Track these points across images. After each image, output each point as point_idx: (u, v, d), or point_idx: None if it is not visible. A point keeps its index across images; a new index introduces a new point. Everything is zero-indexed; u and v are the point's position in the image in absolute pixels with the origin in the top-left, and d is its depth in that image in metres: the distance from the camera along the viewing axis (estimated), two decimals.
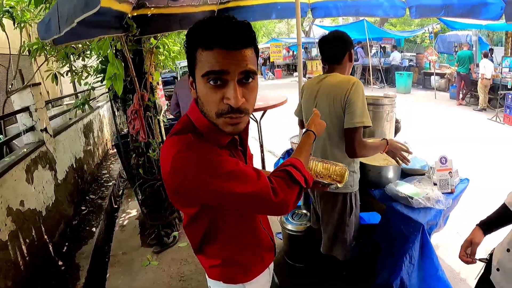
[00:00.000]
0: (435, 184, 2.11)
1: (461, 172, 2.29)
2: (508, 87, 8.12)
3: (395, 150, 1.88)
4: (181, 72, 12.83)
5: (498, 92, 8.13)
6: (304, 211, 2.79)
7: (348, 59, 1.94)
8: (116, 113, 4.06)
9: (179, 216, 3.55)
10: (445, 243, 3.07)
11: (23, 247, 2.71)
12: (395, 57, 13.34)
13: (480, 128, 7.27)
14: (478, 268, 1.49)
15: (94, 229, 3.72)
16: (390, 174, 2.11)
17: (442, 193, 2.03)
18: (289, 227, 2.65)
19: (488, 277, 1.34)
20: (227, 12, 3.15)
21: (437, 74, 11.52)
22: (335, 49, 1.92)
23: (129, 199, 4.46)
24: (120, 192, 5.09)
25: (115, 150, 6.22)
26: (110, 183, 5.06)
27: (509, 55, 8.95)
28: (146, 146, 3.15)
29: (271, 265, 1.35)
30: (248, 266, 1.22)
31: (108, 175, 5.45)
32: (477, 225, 1.50)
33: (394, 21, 19.45)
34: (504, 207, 1.44)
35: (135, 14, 2.38)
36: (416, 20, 18.38)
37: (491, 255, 1.41)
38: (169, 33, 3.28)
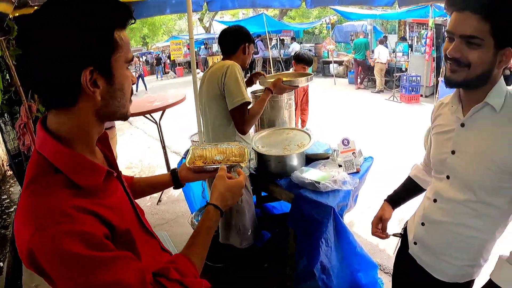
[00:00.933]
0: (340, 166, 2.18)
1: (364, 151, 2.42)
2: (403, 69, 9.12)
3: (281, 89, 2.09)
4: None
5: (394, 75, 9.06)
6: None
7: (242, 51, 2.09)
8: (3, 129, 3.56)
9: None
10: (359, 219, 3.27)
11: None
12: (294, 48, 13.84)
13: (379, 108, 7.98)
14: (395, 239, 1.56)
15: (1, 263, 3.24)
16: (294, 161, 2.11)
17: (348, 174, 2.11)
18: None
19: (406, 250, 1.36)
20: None
21: (335, 62, 12.44)
22: (229, 41, 2.08)
23: None
24: None
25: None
26: (12, 209, 4.46)
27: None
28: None
29: None
30: None
31: (8, 200, 4.79)
32: (385, 200, 1.54)
33: (293, 14, 20.31)
34: (409, 179, 1.50)
35: (17, 14, 2.15)
36: (314, 13, 19.52)
37: (405, 229, 1.45)
38: None
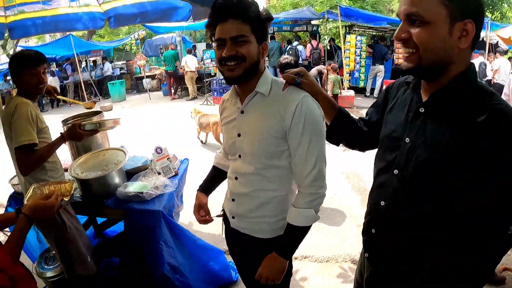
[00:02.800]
0: (159, 173, 2.37)
1: (180, 155, 2.66)
2: (212, 74, 9.97)
3: (76, 137, 2.00)
4: None
5: (204, 80, 9.80)
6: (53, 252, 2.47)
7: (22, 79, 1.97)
8: None
9: None
10: (193, 218, 3.52)
11: None
12: (108, 68, 13.41)
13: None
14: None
15: None
16: (116, 179, 2.18)
17: (168, 178, 2.31)
18: (49, 274, 2.28)
19: (229, 226, 1.51)
20: None
21: (148, 76, 12.54)
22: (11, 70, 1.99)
23: None
24: None
25: None
26: None
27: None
28: None
29: None
30: None
31: None
32: (197, 190, 1.70)
33: (102, 32, 19.24)
34: (213, 168, 1.69)
35: None
36: (124, 29, 18.81)
37: (223, 209, 1.60)
38: None
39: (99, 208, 2.17)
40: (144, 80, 12.57)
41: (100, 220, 2.85)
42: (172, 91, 11.11)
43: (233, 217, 1.47)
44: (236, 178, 1.40)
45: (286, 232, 1.32)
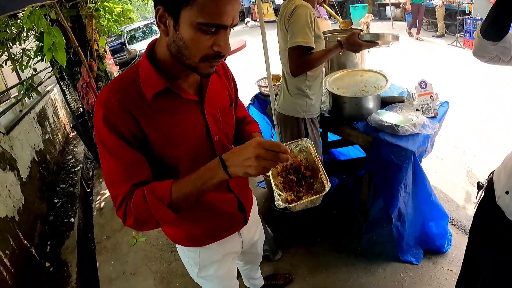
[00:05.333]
0: (417, 110, 2.06)
1: (441, 96, 2.26)
2: (466, 12, 8.21)
3: (355, 46, 1.85)
4: (128, 37, 12.00)
5: (457, 18, 8.19)
6: None
7: None
8: (66, 91, 3.72)
9: None
10: (427, 168, 3.15)
11: (5, 260, 2.49)
12: None
13: (442, 53, 7.34)
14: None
15: (72, 219, 3.52)
16: (370, 104, 2.03)
17: (427, 118, 1.99)
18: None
19: (491, 203, 1.26)
20: None
21: (392, 4, 11.38)
22: None
23: (101, 179, 4.24)
24: (90, 174, 4.83)
25: (75, 132, 5.84)
26: (78, 168, 4.78)
27: None
28: None
29: (244, 231, 1.31)
30: (202, 229, 1.16)
31: (73, 159, 5.14)
32: None
33: None
34: None
35: None
36: None
37: (490, 180, 1.34)
38: None
39: (347, 128, 2.10)
40: (387, 8, 11.61)
41: (331, 138, 2.88)
42: (414, 29, 9.60)
43: (507, 192, 1.17)
44: None
45: None
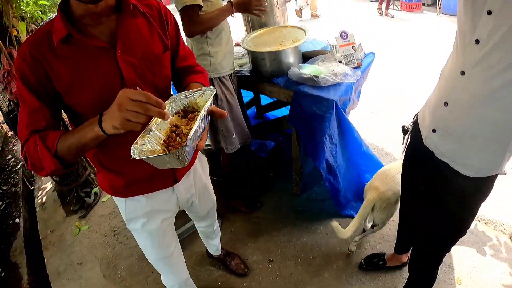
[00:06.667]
0: (340, 62, 2.04)
1: (365, 47, 2.26)
2: None
3: (247, 6, 1.83)
4: None
5: None
6: None
7: None
8: None
9: (93, 170, 3.27)
10: (363, 124, 3.21)
11: None
12: None
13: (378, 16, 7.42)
14: (400, 141, 1.43)
15: (17, 220, 3.35)
16: (290, 58, 1.98)
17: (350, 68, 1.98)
18: None
19: (419, 145, 1.21)
20: None
21: None
22: None
23: None
24: (31, 172, 4.60)
25: (13, 131, 5.52)
26: (18, 166, 4.54)
27: None
28: None
29: (180, 188, 1.26)
30: (125, 180, 1.13)
31: (13, 158, 4.88)
32: None
33: None
34: None
35: None
36: None
37: (415, 122, 1.30)
38: None
39: (267, 85, 2.05)
40: None
41: (264, 102, 2.85)
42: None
43: (433, 131, 1.12)
44: (462, 73, 0.97)
45: None
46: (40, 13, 3.77)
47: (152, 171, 1.08)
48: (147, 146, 0.81)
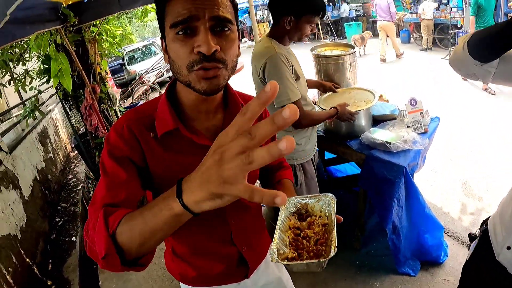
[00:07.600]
0: (408, 126, 2.16)
1: (431, 111, 2.35)
2: (458, 26, 8.43)
3: (345, 118, 1.94)
4: (127, 58, 12.21)
5: (449, 32, 8.40)
6: None
7: (286, 23, 1.71)
8: (69, 112, 3.81)
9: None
10: (423, 181, 3.23)
11: (8, 277, 2.52)
12: (345, 9, 13.41)
13: (435, 67, 7.48)
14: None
15: (74, 238, 3.54)
16: (362, 122, 2.12)
17: (417, 134, 2.08)
18: None
19: (491, 258, 1.09)
20: None
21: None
22: (273, 11, 1.77)
23: None
24: (91, 194, 4.84)
25: (76, 152, 5.91)
26: (79, 187, 4.82)
27: None
28: None
29: (248, 283, 1.17)
30: (195, 271, 1.08)
31: (74, 179, 5.19)
32: None
33: None
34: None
35: (70, 2, 2.20)
36: None
37: (485, 230, 1.16)
38: (109, 17, 3.07)
39: (341, 147, 2.18)
40: None
41: (327, 155, 2.96)
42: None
43: (508, 248, 1.01)
44: None
45: None
46: (116, 49, 4.17)
47: (225, 266, 1.07)
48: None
